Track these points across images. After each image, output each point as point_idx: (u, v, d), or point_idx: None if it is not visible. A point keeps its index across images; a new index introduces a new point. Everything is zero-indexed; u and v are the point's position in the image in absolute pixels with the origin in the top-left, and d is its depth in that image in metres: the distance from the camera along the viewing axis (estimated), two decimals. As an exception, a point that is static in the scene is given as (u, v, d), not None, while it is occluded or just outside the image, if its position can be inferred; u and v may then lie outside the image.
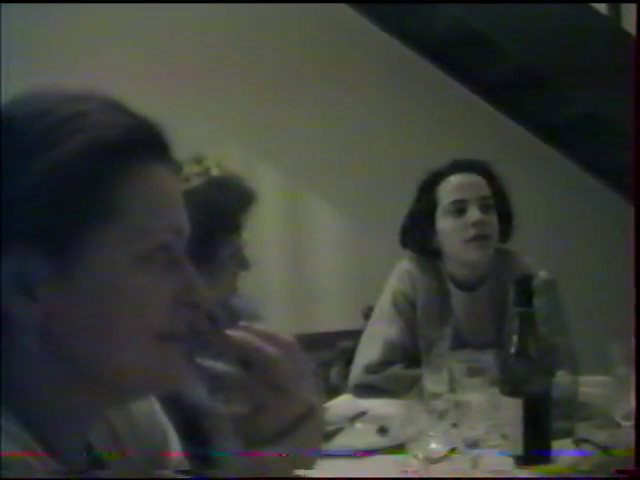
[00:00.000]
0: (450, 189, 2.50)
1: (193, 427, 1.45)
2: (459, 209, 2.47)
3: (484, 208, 2.47)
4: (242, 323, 0.86)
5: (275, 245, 3.82)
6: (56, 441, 0.82)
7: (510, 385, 1.86)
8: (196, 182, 1.77)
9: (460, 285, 2.55)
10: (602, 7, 3.52)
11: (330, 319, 3.30)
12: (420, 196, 2.57)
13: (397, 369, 2.45)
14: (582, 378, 2.11)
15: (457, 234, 2.47)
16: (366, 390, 2.44)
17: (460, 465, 1.63)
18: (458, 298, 2.55)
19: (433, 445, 1.70)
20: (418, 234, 2.56)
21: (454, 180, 2.51)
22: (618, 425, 1.75)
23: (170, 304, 0.84)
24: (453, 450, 1.70)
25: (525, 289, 1.94)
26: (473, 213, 2.45)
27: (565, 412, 1.97)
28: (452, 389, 1.87)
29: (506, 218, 2.54)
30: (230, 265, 1.87)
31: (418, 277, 2.57)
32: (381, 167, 3.92)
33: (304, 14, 3.89)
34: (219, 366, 0.84)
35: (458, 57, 3.94)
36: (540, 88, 3.64)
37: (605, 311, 3.80)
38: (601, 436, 1.67)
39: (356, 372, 2.52)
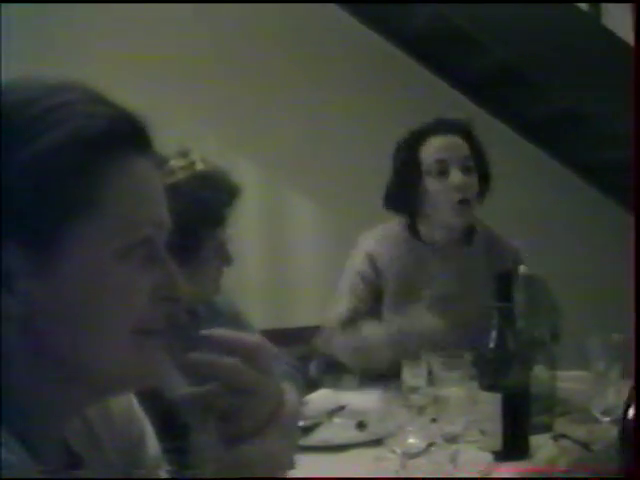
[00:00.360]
0: (432, 150, 2.50)
1: (170, 422, 1.44)
2: (441, 170, 2.48)
3: (465, 170, 2.48)
4: (204, 333, 0.86)
5: (254, 240, 3.82)
6: (32, 437, 0.80)
7: (489, 379, 1.86)
8: (181, 176, 1.76)
9: (436, 248, 2.56)
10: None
11: (309, 313, 3.28)
12: (403, 156, 2.55)
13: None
14: (560, 373, 2.12)
15: (441, 196, 2.48)
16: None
17: (438, 460, 1.62)
18: (434, 262, 2.56)
19: (411, 440, 1.69)
20: (403, 194, 2.55)
21: (435, 141, 2.51)
22: (597, 421, 1.75)
23: (150, 298, 0.83)
24: (431, 445, 1.69)
25: (505, 284, 1.94)
26: (456, 176, 2.46)
27: (543, 407, 1.97)
28: (431, 383, 1.86)
29: (484, 178, 2.55)
30: (214, 260, 1.87)
31: (390, 246, 2.58)
32: (362, 162, 3.91)
33: (286, 10, 3.88)
34: (206, 356, 0.84)
35: (440, 54, 3.94)
36: (521, 85, 3.64)
37: (584, 307, 3.82)
38: (580, 432, 1.67)
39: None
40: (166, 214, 0.88)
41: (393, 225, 2.63)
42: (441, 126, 2.53)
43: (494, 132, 3.98)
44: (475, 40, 3.43)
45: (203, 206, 1.79)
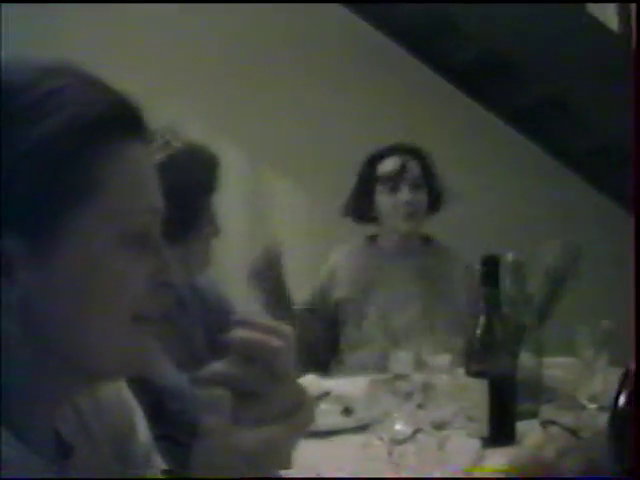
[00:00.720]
0: (386, 169, 2.85)
1: (162, 409, 1.43)
2: (392, 187, 2.83)
3: (414, 187, 2.82)
4: (238, 318, 0.83)
5: (236, 222, 3.80)
6: (24, 426, 0.79)
7: (476, 366, 1.86)
8: (163, 154, 1.78)
9: (392, 256, 2.91)
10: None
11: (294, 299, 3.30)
12: (362, 173, 2.92)
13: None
14: (547, 360, 2.12)
15: (390, 210, 2.84)
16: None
17: (426, 446, 1.62)
18: (391, 269, 2.89)
19: (398, 426, 1.69)
20: (358, 205, 2.92)
21: (389, 161, 2.86)
22: (583, 407, 1.76)
23: (147, 285, 0.82)
24: (418, 431, 1.69)
25: (491, 269, 1.93)
26: (403, 193, 2.80)
27: (530, 394, 1.98)
28: (418, 369, 1.86)
29: (435, 195, 2.89)
30: (206, 230, 1.95)
31: (353, 258, 2.96)
32: (344, 148, 3.89)
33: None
34: (219, 367, 0.82)
35: (427, 43, 3.94)
36: (505, 71, 3.64)
37: (571, 294, 3.83)
38: (566, 418, 1.67)
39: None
40: (160, 199, 0.87)
41: (359, 239, 3.00)
42: (397, 149, 2.89)
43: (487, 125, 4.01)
44: (460, 29, 3.43)
45: (191, 179, 1.86)
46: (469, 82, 4.02)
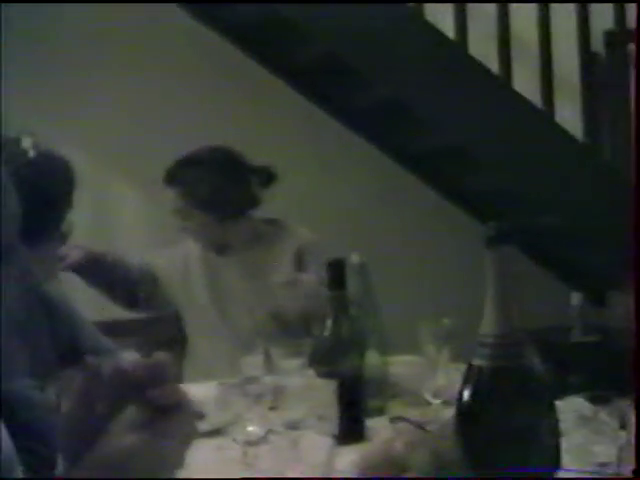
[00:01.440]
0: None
1: (13, 419, 1.41)
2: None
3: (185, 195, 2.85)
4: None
5: (80, 231, 3.74)
6: None
7: (325, 367, 1.91)
8: (18, 163, 1.75)
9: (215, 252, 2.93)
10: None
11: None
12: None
13: None
14: (392, 358, 2.20)
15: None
16: None
17: (280, 446, 1.65)
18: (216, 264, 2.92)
19: (251, 428, 1.72)
20: None
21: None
22: (428, 403, 1.84)
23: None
24: (271, 432, 1.73)
25: (338, 272, 1.99)
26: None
27: (376, 391, 2.05)
28: (269, 372, 1.90)
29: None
30: (56, 241, 1.98)
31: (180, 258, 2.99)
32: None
33: None
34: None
35: (264, 43, 3.97)
36: (345, 74, 3.71)
37: (413, 292, 3.96)
38: (412, 414, 1.74)
39: None
40: (17, 207, 0.87)
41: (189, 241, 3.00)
42: (188, 159, 2.91)
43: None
44: (300, 30, 3.48)
45: (46, 190, 1.85)
46: (308, 83, 4.08)
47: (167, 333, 2.90)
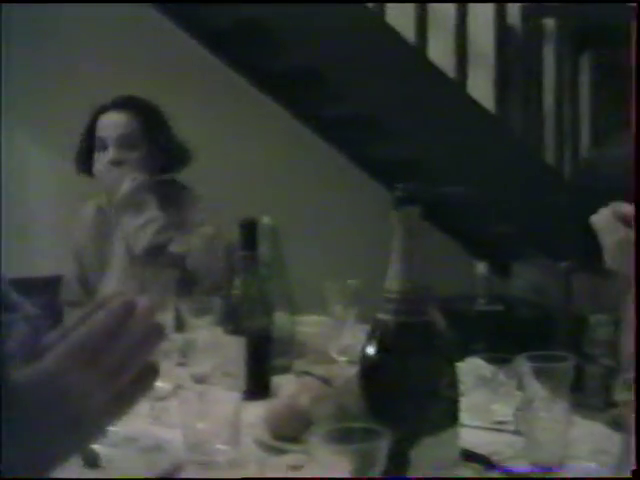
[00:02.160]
0: (99, 127, 2.75)
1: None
2: (103, 146, 2.72)
3: (123, 146, 2.71)
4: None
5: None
6: None
7: (233, 324, 1.94)
8: None
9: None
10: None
11: (49, 264, 3.26)
12: (83, 130, 2.80)
13: None
14: (299, 318, 2.24)
15: (102, 167, 2.71)
16: None
17: (188, 400, 1.68)
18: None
19: (159, 383, 1.74)
20: (80, 162, 2.81)
21: (103, 118, 2.75)
22: (334, 361, 1.89)
23: None
24: (179, 387, 1.75)
25: (250, 233, 2.02)
26: (110, 151, 2.70)
27: (284, 350, 2.09)
28: (179, 328, 1.92)
29: (165, 150, 2.79)
30: None
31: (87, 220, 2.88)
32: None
33: None
34: None
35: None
36: (259, 37, 3.72)
37: (321, 254, 4.01)
38: (318, 371, 1.78)
39: None
40: None
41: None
42: (114, 103, 2.77)
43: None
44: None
45: None
46: (224, 47, 4.07)
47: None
